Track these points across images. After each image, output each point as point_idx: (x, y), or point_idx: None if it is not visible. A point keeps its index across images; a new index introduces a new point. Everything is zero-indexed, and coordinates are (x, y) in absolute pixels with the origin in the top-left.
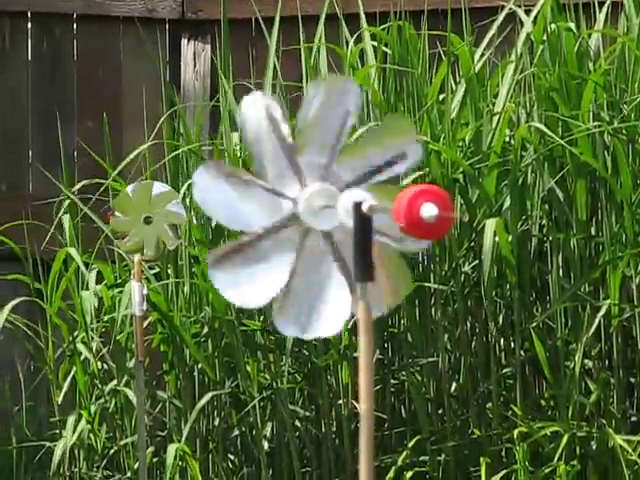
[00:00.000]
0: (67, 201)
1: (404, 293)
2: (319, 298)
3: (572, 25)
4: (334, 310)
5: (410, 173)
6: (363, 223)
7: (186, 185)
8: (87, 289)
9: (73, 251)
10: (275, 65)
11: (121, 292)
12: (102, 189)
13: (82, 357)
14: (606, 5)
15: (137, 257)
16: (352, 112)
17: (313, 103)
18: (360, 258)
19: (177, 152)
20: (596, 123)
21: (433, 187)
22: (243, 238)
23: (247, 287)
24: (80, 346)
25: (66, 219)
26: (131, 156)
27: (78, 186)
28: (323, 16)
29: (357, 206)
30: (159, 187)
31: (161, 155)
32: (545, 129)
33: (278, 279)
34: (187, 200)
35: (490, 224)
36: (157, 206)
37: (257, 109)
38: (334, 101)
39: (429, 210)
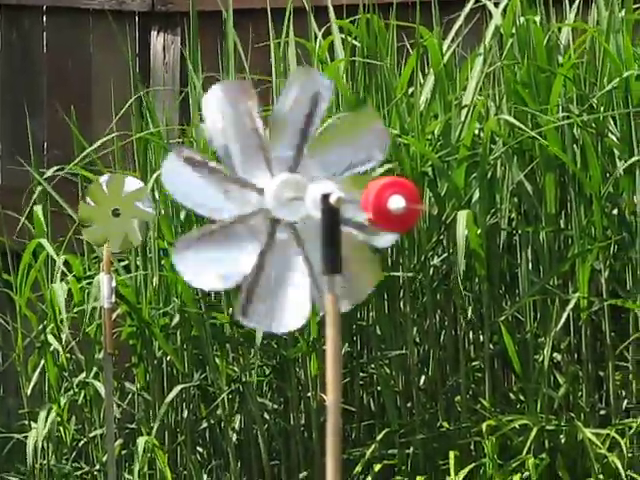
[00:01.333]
0: (38, 190)
1: (373, 284)
2: (283, 291)
3: (537, 19)
4: (297, 304)
5: (379, 166)
6: (331, 215)
7: (154, 177)
8: (56, 281)
9: (44, 242)
10: (244, 58)
11: (90, 284)
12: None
13: (51, 349)
14: None
15: (106, 249)
16: (323, 106)
17: (288, 96)
18: (328, 250)
19: (144, 137)
20: (565, 114)
21: (401, 179)
22: (212, 225)
23: (211, 272)
24: (50, 337)
25: (38, 209)
26: (97, 143)
27: (49, 173)
28: (290, 8)
29: (325, 198)
30: (133, 183)
31: (130, 147)
32: (514, 121)
33: (244, 266)
34: (155, 193)
35: (462, 216)
36: (128, 201)
37: (226, 98)
38: (307, 95)
39: (397, 202)
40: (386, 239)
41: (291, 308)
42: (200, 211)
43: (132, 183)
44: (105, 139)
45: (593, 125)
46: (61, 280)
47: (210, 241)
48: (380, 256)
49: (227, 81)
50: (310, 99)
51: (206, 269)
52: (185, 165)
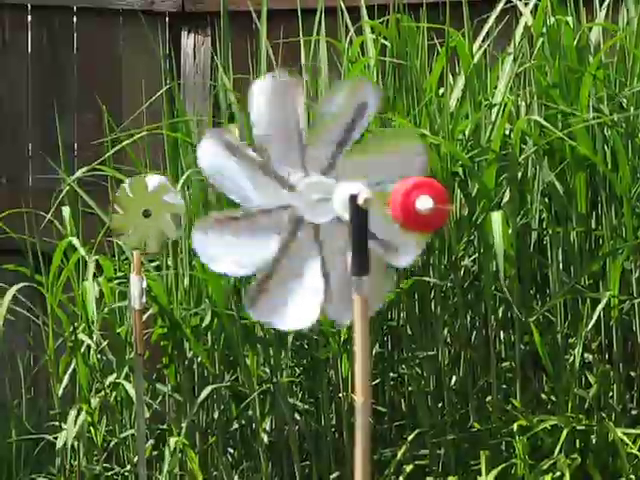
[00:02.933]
0: (65, 190)
1: (385, 296)
2: (294, 290)
3: (570, 19)
4: (306, 305)
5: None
6: (359, 216)
7: (185, 176)
8: (88, 280)
9: (75, 240)
10: (273, 59)
11: (121, 285)
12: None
13: (82, 349)
14: None
15: (136, 251)
16: (368, 116)
17: (334, 100)
18: (356, 251)
19: (174, 136)
20: (595, 116)
21: (428, 180)
22: (236, 211)
23: (228, 257)
24: (82, 336)
25: (66, 210)
26: (121, 145)
27: (78, 174)
28: (321, 8)
29: (353, 199)
30: (155, 179)
31: (161, 147)
32: (543, 121)
33: (260, 257)
34: (186, 191)
35: (496, 217)
36: (155, 198)
37: (272, 92)
38: (353, 102)
39: (425, 203)
40: (406, 259)
41: (299, 308)
42: (232, 196)
43: (154, 180)
44: (136, 137)
45: (623, 125)
46: (93, 280)
47: (232, 227)
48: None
49: (279, 73)
50: (356, 107)
51: (223, 254)
52: (222, 148)
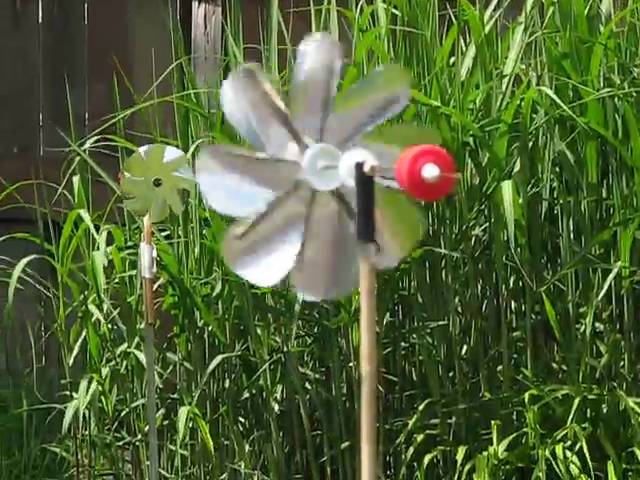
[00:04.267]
0: (76, 160)
1: (415, 240)
2: (338, 258)
3: None
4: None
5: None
6: (365, 184)
7: (194, 146)
8: (98, 250)
9: (83, 212)
10: (284, 28)
11: (131, 254)
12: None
13: (93, 319)
14: None
15: (147, 219)
16: (338, 68)
17: (301, 65)
18: (362, 218)
19: (184, 105)
20: (607, 90)
21: (435, 147)
22: (252, 217)
23: (264, 265)
24: (91, 307)
25: (76, 180)
26: (132, 110)
27: (89, 143)
28: None
29: (359, 166)
30: (172, 152)
31: (171, 116)
32: (553, 95)
33: (292, 251)
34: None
35: (507, 186)
36: (168, 170)
37: (239, 87)
38: (320, 59)
39: (430, 170)
40: (391, 259)
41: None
42: (238, 213)
43: (171, 152)
44: (146, 104)
45: (634, 95)
46: (102, 250)
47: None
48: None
49: (234, 72)
50: (325, 66)
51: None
52: (217, 163)
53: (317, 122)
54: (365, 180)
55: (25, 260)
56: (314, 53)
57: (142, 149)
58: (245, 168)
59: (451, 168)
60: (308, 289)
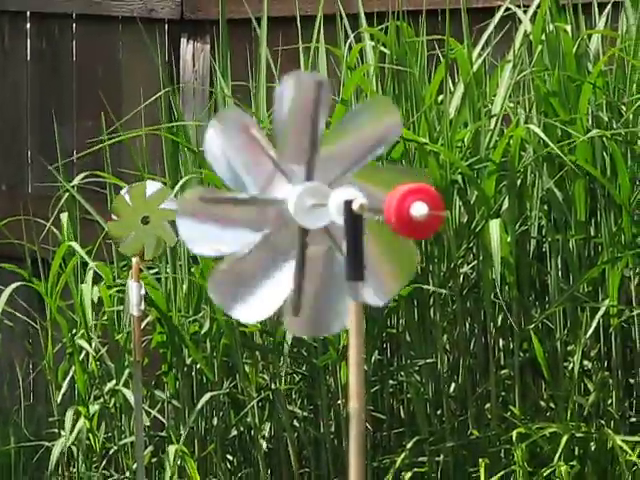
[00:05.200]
0: (65, 196)
1: (408, 276)
2: (328, 296)
3: (568, 28)
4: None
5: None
6: (354, 221)
7: (183, 180)
8: (87, 283)
9: (75, 244)
10: (272, 66)
11: (119, 292)
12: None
13: (81, 356)
14: (608, 5)
15: (135, 257)
16: (324, 104)
17: (284, 101)
18: (351, 257)
19: (173, 142)
20: (596, 130)
21: (423, 185)
22: (238, 254)
23: (252, 302)
24: (80, 341)
25: (64, 217)
26: (119, 139)
27: (77, 179)
28: (320, 15)
29: (348, 204)
30: (153, 186)
31: (159, 153)
32: (541, 133)
33: (281, 289)
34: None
35: (495, 225)
36: (153, 205)
37: (225, 133)
38: (305, 96)
39: (419, 209)
40: (376, 300)
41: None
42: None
43: (153, 186)
44: (133, 134)
45: (622, 133)
46: (91, 286)
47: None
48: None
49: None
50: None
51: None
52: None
53: (305, 160)
54: (354, 218)
55: (11, 287)
56: (298, 90)
57: (151, 185)
58: (227, 211)
59: (440, 206)
60: (297, 327)
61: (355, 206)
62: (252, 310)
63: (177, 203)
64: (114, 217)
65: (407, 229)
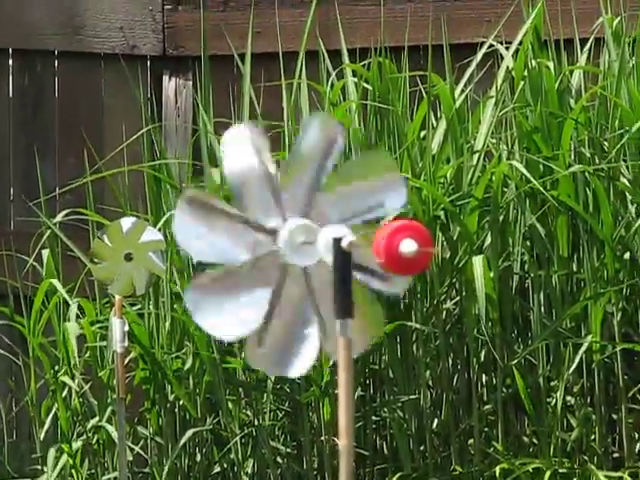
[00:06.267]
0: (47, 234)
1: (376, 334)
2: (294, 336)
3: (550, 64)
4: (306, 349)
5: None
6: (343, 259)
7: (165, 218)
8: (70, 320)
9: (55, 281)
10: (254, 102)
11: (102, 328)
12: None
13: (64, 393)
14: (590, 41)
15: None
16: (336, 152)
17: (304, 140)
18: (340, 294)
19: (156, 179)
20: (577, 167)
21: (412, 223)
22: (223, 269)
23: (226, 318)
24: (64, 378)
25: (45, 253)
26: (102, 175)
27: (59, 217)
28: (303, 52)
29: (337, 242)
30: (152, 233)
31: (142, 190)
32: (524, 170)
33: (256, 313)
34: (167, 232)
35: (478, 261)
36: (133, 240)
37: (241, 141)
38: (322, 140)
39: (408, 245)
40: (399, 287)
41: (298, 354)
42: (207, 258)
43: (152, 233)
44: (115, 171)
45: (605, 169)
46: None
47: (223, 286)
48: (392, 300)
49: (243, 125)
50: (325, 144)
51: (219, 318)
52: (196, 213)
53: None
54: (343, 255)
55: None
56: (317, 130)
57: (125, 220)
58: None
59: (429, 242)
60: (258, 359)
61: (344, 243)
62: (225, 327)
63: (177, 201)
64: (105, 238)
65: (397, 266)
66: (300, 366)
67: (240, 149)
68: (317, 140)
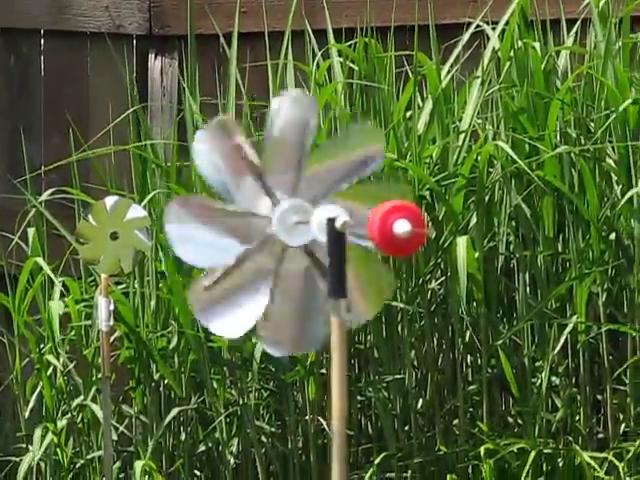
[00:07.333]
0: (32, 213)
1: (383, 300)
2: (306, 314)
3: (537, 45)
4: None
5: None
6: (337, 239)
7: (150, 196)
8: (54, 299)
9: (40, 260)
10: (239, 82)
11: (88, 307)
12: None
13: (49, 372)
14: (577, 22)
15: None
16: (313, 125)
17: (276, 119)
18: (334, 274)
19: (142, 157)
20: (563, 147)
21: (406, 203)
22: (220, 269)
23: (230, 317)
24: (48, 357)
25: (31, 231)
26: (87, 154)
27: (44, 196)
28: (288, 32)
29: (330, 222)
30: (136, 210)
31: (127, 169)
32: (509, 150)
33: (259, 305)
34: (152, 209)
35: (462, 242)
36: (128, 227)
37: (214, 140)
38: (296, 115)
39: (402, 226)
40: (360, 316)
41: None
42: (202, 263)
43: (136, 210)
44: (101, 150)
45: (591, 149)
46: (59, 301)
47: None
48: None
49: (208, 125)
50: (300, 122)
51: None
52: (187, 213)
53: (290, 178)
54: (337, 236)
55: None
56: (289, 109)
57: (109, 199)
58: (215, 220)
59: (422, 223)
60: (274, 344)
61: (338, 224)
62: (232, 325)
63: (166, 209)
64: (89, 218)
65: (390, 247)
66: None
67: (213, 150)
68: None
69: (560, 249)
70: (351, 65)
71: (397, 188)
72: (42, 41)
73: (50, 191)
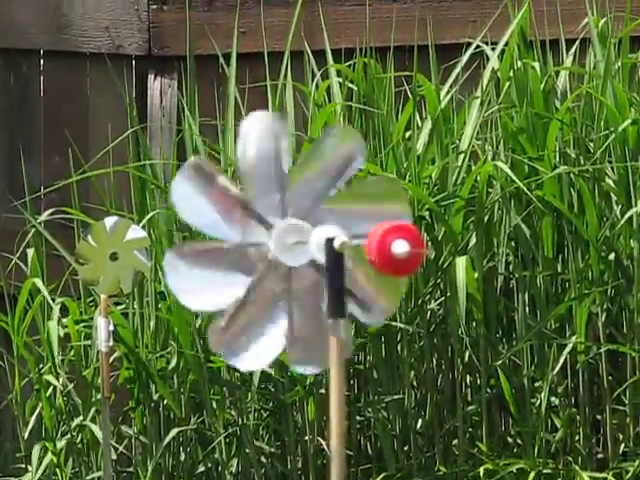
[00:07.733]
0: (31, 233)
1: (400, 296)
2: (259, 331)
3: (536, 65)
4: (266, 348)
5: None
6: (335, 259)
7: (149, 216)
8: (53, 319)
9: (38, 281)
10: (239, 102)
11: (87, 327)
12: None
13: (48, 392)
14: (576, 42)
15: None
16: (353, 170)
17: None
18: (333, 294)
19: (141, 178)
20: (563, 168)
21: (404, 224)
22: (211, 243)
23: (197, 288)
24: (49, 377)
25: (30, 252)
26: (87, 175)
27: (44, 216)
28: (288, 52)
29: (329, 242)
30: (136, 231)
31: (127, 189)
32: (508, 170)
33: (228, 296)
34: (151, 230)
35: (461, 262)
36: (127, 248)
37: (262, 127)
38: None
39: (400, 246)
40: (377, 318)
41: (259, 349)
42: (205, 230)
43: (136, 231)
44: (100, 171)
45: (590, 170)
46: (58, 322)
47: (204, 260)
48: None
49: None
50: (343, 159)
51: (192, 288)
52: (200, 180)
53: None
54: (335, 256)
55: None
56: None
57: (108, 220)
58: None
59: (420, 244)
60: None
61: (336, 244)
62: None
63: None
64: (89, 239)
65: (389, 267)
66: (254, 362)
67: (259, 135)
68: (334, 151)
69: (559, 269)
70: (350, 85)
71: (390, 187)
72: (42, 61)
73: (49, 211)
